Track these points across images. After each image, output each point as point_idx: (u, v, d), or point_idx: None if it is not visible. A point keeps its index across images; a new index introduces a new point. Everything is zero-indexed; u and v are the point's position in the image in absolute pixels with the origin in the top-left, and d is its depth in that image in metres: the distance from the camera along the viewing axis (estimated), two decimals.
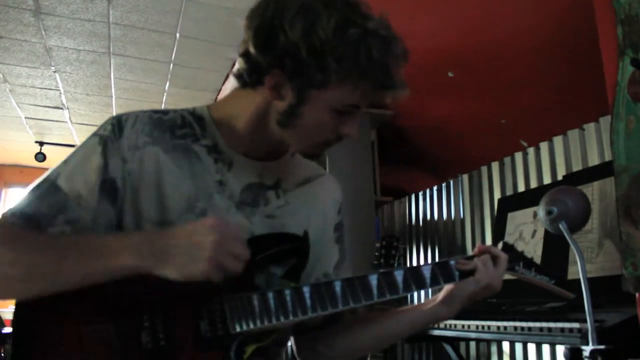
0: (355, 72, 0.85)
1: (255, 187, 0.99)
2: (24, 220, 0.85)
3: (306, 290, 0.88)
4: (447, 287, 1.03)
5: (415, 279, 0.96)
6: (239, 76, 0.93)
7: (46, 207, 0.86)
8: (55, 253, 0.82)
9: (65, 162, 0.92)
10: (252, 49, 0.88)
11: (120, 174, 0.90)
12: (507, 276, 1.11)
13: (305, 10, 0.84)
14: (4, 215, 0.87)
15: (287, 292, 0.88)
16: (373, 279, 0.93)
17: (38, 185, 0.89)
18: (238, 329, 0.85)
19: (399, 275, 0.95)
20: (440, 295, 1.04)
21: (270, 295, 0.86)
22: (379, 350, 2.58)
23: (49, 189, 0.88)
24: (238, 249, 0.81)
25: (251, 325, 0.85)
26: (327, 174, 1.16)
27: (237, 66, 0.92)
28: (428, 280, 0.98)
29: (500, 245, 1.11)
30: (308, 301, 0.88)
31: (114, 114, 0.98)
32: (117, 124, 0.93)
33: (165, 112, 0.98)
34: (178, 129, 0.96)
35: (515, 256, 1.10)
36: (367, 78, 0.86)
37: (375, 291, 0.92)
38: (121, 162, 0.90)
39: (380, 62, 0.85)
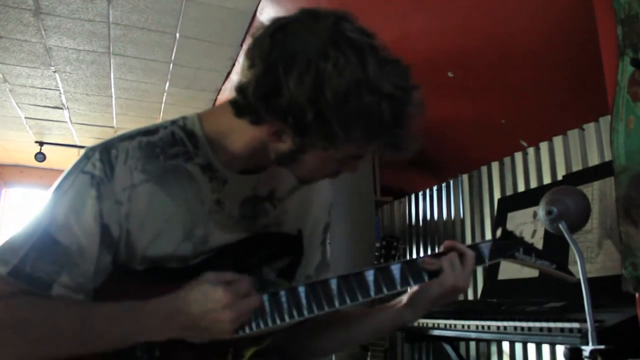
0: (362, 137, 0.79)
1: (251, 199, 0.96)
2: (25, 283, 0.80)
3: (301, 290, 0.87)
4: (411, 290, 0.99)
5: (412, 273, 0.95)
6: (236, 108, 0.84)
7: (47, 265, 0.81)
8: (85, 336, 0.81)
9: (56, 203, 0.85)
10: (251, 97, 0.80)
11: (115, 218, 0.85)
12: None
13: (314, 67, 0.75)
14: (0, 277, 0.80)
15: (282, 293, 0.86)
16: (369, 275, 0.91)
17: (32, 233, 0.83)
18: (235, 333, 0.84)
19: (396, 269, 0.94)
20: (405, 298, 1.02)
21: (266, 298, 0.85)
22: (379, 350, 2.58)
23: (46, 241, 0.82)
24: (251, 306, 0.83)
25: (247, 330, 0.84)
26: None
27: (233, 96, 0.84)
28: (426, 274, 0.96)
29: (499, 232, 1.08)
30: (304, 302, 0.86)
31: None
32: (107, 160, 0.86)
33: (154, 131, 0.91)
34: (169, 148, 0.90)
35: (515, 242, 1.07)
36: (375, 141, 0.81)
37: (372, 287, 0.90)
38: (115, 205, 0.85)
39: (392, 127, 0.79)
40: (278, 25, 0.80)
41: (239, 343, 0.88)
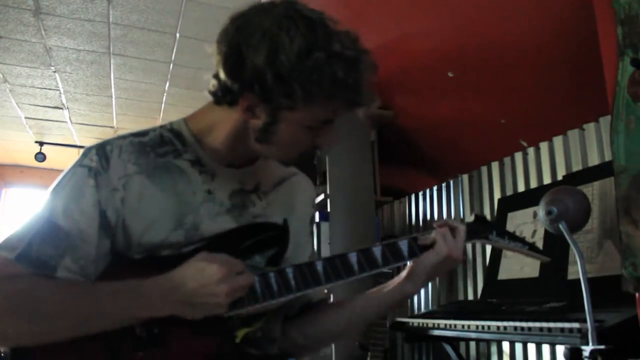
0: (321, 95, 0.87)
1: (239, 192, 1.04)
2: (31, 266, 0.85)
3: (289, 271, 0.94)
4: (409, 264, 1.07)
5: (393, 252, 1.02)
6: (214, 95, 0.96)
7: (51, 249, 0.87)
8: (89, 311, 0.84)
9: (56, 195, 0.92)
10: (222, 75, 0.91)
11: (112, 204, 0.92)
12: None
13: (268, 37, 0.87)
14: (7, 261, 0.85)
15: (271, 274, 0.93)
16: (352, 256, 0.99)
17: (34, 224, 0.89)
18: (227, 313, 0.89)
19: (377, 250, 1.01)
20: (404, 272, 1.08)
21: (256, 278, 0.91)
22: (379, 350, 2.58)
23: (48, 228, 0.88)
24: (245, 282, 0.88)
25: (240, 309, 0.89)
26: (299, 173, 1.21)
27: (210, 85, 0.96)
28: (406, 254, 1.04)
29: (472, 216, 1.15)
30: (292, 281, 0.93)
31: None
32: (103, 154, 0.94)
33: (144, 133, 1.01)
34: (159, 147, 0.99)
35: (487, 225, 1.14)
36: (334, 99, 0.89)
37: (355, 267, 0.98)
38: (112, 192, 0.92)
39: (346, 83, 0.87)
40: (239, 14, 0.93)
41: (231, 324, 0.92)
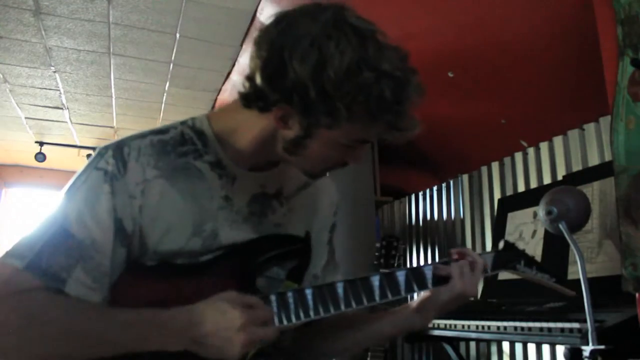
0: (365, 116, 0.82)
1: (260, 197, 0.98)
2: (41, 277, 0.80)
3: (309, 292, 0.88)
4: (421, 295, 1.02)
5: (417, 279, 0.97)
6: (245, 98, 0.88)
7: (62, 258, 0.82)
8: (99, 339, 0.80)
9: (70, 200, 0.86)
10: (259, 80, 0.84)
11: (129, 212, 0.87)
12: (508, 275, 1.11)
13: (317, 47, 0.79)
14: (16, 271, 0.80)
15: (290, 294, 0.87)
16: (375, 280, 0.93)
17: (46, 230, 0.84)
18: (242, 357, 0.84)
19: (401, 275, 0.95)
20: (414, 304, 1.03)
21: (273, 298, 0.86)
22: (379, 350, 2.58)
23: (60, 235, 0.83)
24: (267, 333, 0.82)
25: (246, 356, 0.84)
26: (325, 176, 1.15)
27: (243, 87, 0.88)
28: (430, 281, 0.98)
29: (501, 243, 1.11)
30: (310, 303, 0.87)
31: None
32: (120, 157, 0.88)
33: (165, 130, 0.95)
34: (179, 146, 0.93)
35: (516, 255, 1.10)
36: (377, 121, 0.83)
37: (377, 292, 0.92)
38: (129, 199, 0.87)
39: (392, 107, 0.82)
40: (284, 14, 0.85)
41: None
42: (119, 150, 0.89)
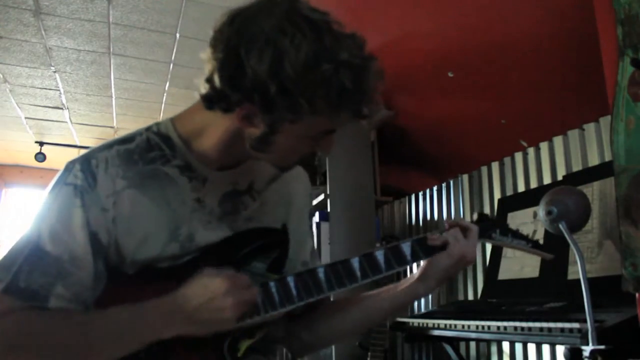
0: (327, 107, 0.82)
1: (231, 194, 0.98)
2: (21, 298, 0.80)
3: (290, 280, 0.91)
4: (421, 264, 1.04)
5: (396, 257, 0.98)
6: (206, 99, 0.87)
7: (41, 277, 0.81)
8: (89, 343, 0.81)
9: (42, 218, 0.85)
10: (218, 82, 0.83)
11: (103, 224, 0.86)
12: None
13: (272, 44, 0.78)
14: None
15: (272, 284, 0.90)
16: (355, 262, 0.96)
17: (21, 250, 0.83)
18: (236, 322, 0.86)
19: (380, 255, 0.98)
20: (416, 273, 1.05)
21: (257, 290, 0.88)
22: (379, 350, 2.58)
23: (36, 254, 0.82)
24: (251, 293, 0.85)
25: (241, 322, 0.86)
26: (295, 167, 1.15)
27: (203, 89, 0.88)
28: (409, 258, 1.00)
29: (475, 215, 1.13)
30: (294, 291, 0.90)
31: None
32: (88, 170, 0.87)
33: (130, 138, 0.94)
34: (146, 153, 0.93)
35: (491, 224, 1.11)
36: (340, 110, 0.83)
37: (358, 273, 0.95)
38: (101, 212, 0.86)
39: (354, 94, 0.82)
40: (236, 12, 0.84)
41: (233, 336, 0.89)
42: (86, 163, 0.88)
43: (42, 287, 0.81)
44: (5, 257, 0.84)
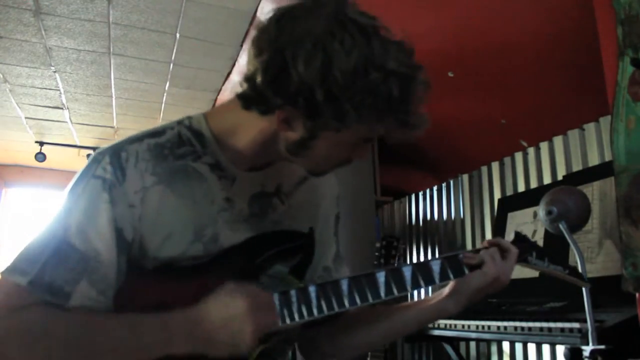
0: (373, 116, 0.80)
1: (259, 196, 0.96)
2: (44, 293, 0.79)
3: (312, 290, 0.86)
4: (453, 281, 0.99)
5: (424, 274, 0.94)
6: (244, 99, 0.85)
7: (66, 272, 0.80)
8: (104, 347, 0.79)
9: (69, 210, 0.84)
10: (260, 83, 0.80)
11: (129, 221, 0.85)
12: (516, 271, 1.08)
13: (321, 48, 0.76)
14: (19, 289, 0.78)
15: (293, 292, 0.86)
16: (380, 276, 0.91)
17: (47, 243, 0.82)
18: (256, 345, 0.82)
19: (407, 271, 0.93)
20: (447, 289, 1.01)
21: (276, 296, 0.84)
22: (379, 350, 2.58)
23: (63, 249, 0.81)
24: (273, 317, 0.82)
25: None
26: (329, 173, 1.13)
27: (241, 88, 0.84)
28: (437, 276, 0.95)
29: (512, 235, 1.08)
30: (314, 302, 0.86)
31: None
32: (118, 163, 0.85)
33: (161, 132, 0.91)
34: (177, 148, 0.90)
35: (528, 246, 1.06)
36: (385, 120, 0.81)
37: (383, 289, 0.90)
38: (129, 208, 0.84)
39: (401, 105, 0.80)
40: (282, 12, 0.81)
41: None
42: (116, 156, 0.86)
43: (67, 282, 0.80)
44: (29, 249, 0.82)
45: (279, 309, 0.84)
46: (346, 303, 0.88)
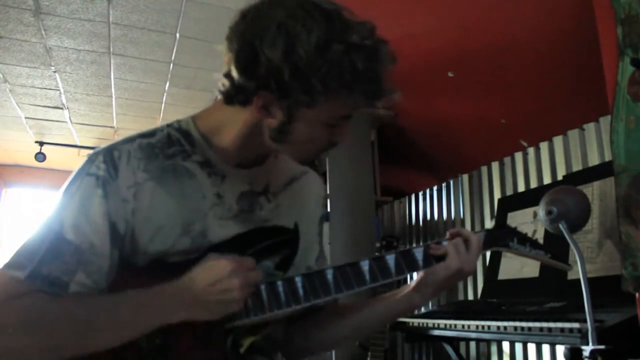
0: (341, 89, 0.83)
1: (248, 194, 1.00)
2: (43, 284, 0.82)
3: (298, 280, 0.90)
4: (419, 274, 1.02)
5: (407, 261, 0.97)
6: (225, 95, 0.90)
7: (63, 265, 0.84)
8: (101, 322, 0.83)
9: (64, 207, 0.88)
10: (235, 74, 0.85)
11: (122, 215, 0.88)
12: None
13: (284, 30, 0.81)
14: (18, 282, 0.82)
15: (279, 283, 0.89)
16: (364, 264, 0.94)
17: (44, 238, 0.85)
18: (232, 323, 0.87)
19: (390, 259, 0.96)
20: (412, 282, 1.04)
21: (263, 288, 0.88)
22: (379, 350, 2.58)
23: (59, 243, 0.85)
24: (256, 275, 0.87)
25: (245, 319, 0.87)
26: (310, 171, 1.16)
27: (222, 85, 0.90)
28: (421, 263, 0.98)
29: (493, 222, 1.10)
30: (301, 291, 0.89)
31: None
32: (111, 161, 0.90)
33: (152, 133, 0.97)
34: (167, 148, 0.95)
35: (509, 232, 1.08)
36: (354, 92, 0.85)
37: (367, 276, 0.93)
38: (122, 203, 0.88)
39: (366, 75, 0.83)
40: (249, 8, 0.88)
41: (236, 333, 0.90)
42: (109, 155, 0.91)
43: (63, 273, 0.83)
44: (27, 245, 0.85)
45: (265, 298, 0.88)
46: (332, 291, 0.91)
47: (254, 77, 0.84)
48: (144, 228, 0.90)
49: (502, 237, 1.06)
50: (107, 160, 0.90)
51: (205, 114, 1.01)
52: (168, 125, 0.98)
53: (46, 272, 0.83)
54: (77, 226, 0.86)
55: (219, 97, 0.92)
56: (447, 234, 1.02)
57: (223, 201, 0.96)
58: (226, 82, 0.88)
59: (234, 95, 0.88)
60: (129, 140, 0.94)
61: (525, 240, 1.08)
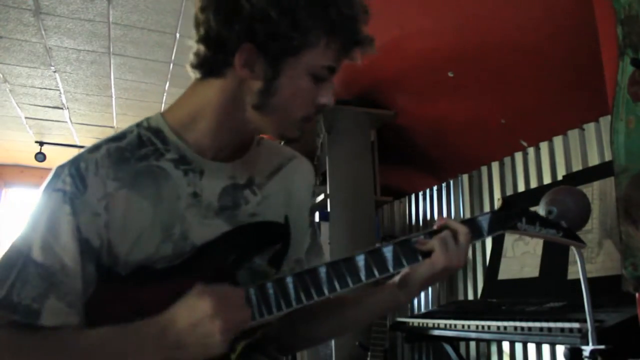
0: (327, 29, 0.84)
1: (231, 189, 0.95)
2: (14, 313, 0.78)
3: (289, 281, 0.85)
4: (403, 271, 0.97)
5: (405, 253, 0.92)
6: (200, 65, 0.87)
7: (33, 290, 0.79)
8: None
9: (32, 228, 0.83)
10: (214, 28, 0.83)
11: (94, 229, 0.84)
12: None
13: None
14: None
15: (269, 285, 0.84)
16: (360, 260, 0.88)
17: (13, 262, 0.81)
18: (228, 347, 0.81)
19: (387, 251, 0.90)
20: (396, 280, 0.99)
21: (252, 291, 0.83)
22: (379, 350, 2.58)
23: (28, 266, 0.80)
24: (243, 315, 0.80)
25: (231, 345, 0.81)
26: (297, 157, 1.10)
27: (193, 57, 0.87)
28: (419, 255, 0.93)
29: (498, 202, 1.01)
30: (292, 293, 0.84)
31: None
32: (77, 174, 0.85)
33: (121, 136, 0.93)
34: (138, 149, 0.91)
35: (516, 212, 1.00)
36: (338, 34, 0.85)
37: (363, 273, 0.88)
38: (93, 217, 0.84)
39: (349, 17, 0.85)
40: None
41: None
42: (75, 168, 0.86)
43: (34, 300, 0.79)
44: None
45: (255, 303, 0.83)
46: (325, 290, 0.86)
47: (236, 24, 0.82)
48: (121, 239, 0.85)
49: (510, 217, 0.98)
50: (74, 174, 0.85)
51: (174, 107, 0.97)
52: (137, 125, 0.94)
53: (17, 299, 0.78)
54: (46, 247, 0.81)
55: (193, 75, 0.90)
56: (435, 225, 0.96)
57: (200, 200, 0.91)
58: (202, 48, 0.86)
59: (212, 61, 0.86)
60: (95, 148, 0.90)
61: (535, 219, 1.00)
